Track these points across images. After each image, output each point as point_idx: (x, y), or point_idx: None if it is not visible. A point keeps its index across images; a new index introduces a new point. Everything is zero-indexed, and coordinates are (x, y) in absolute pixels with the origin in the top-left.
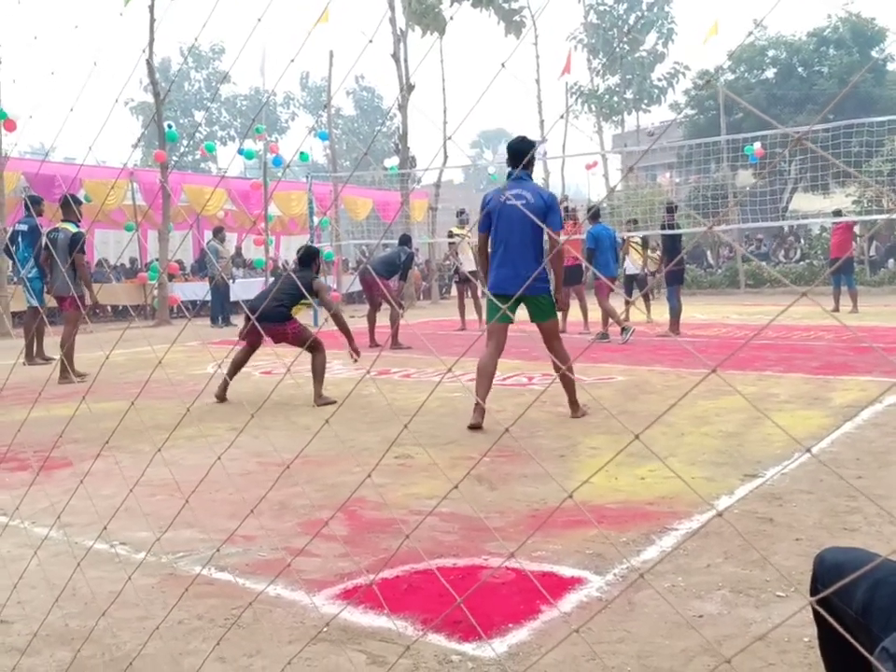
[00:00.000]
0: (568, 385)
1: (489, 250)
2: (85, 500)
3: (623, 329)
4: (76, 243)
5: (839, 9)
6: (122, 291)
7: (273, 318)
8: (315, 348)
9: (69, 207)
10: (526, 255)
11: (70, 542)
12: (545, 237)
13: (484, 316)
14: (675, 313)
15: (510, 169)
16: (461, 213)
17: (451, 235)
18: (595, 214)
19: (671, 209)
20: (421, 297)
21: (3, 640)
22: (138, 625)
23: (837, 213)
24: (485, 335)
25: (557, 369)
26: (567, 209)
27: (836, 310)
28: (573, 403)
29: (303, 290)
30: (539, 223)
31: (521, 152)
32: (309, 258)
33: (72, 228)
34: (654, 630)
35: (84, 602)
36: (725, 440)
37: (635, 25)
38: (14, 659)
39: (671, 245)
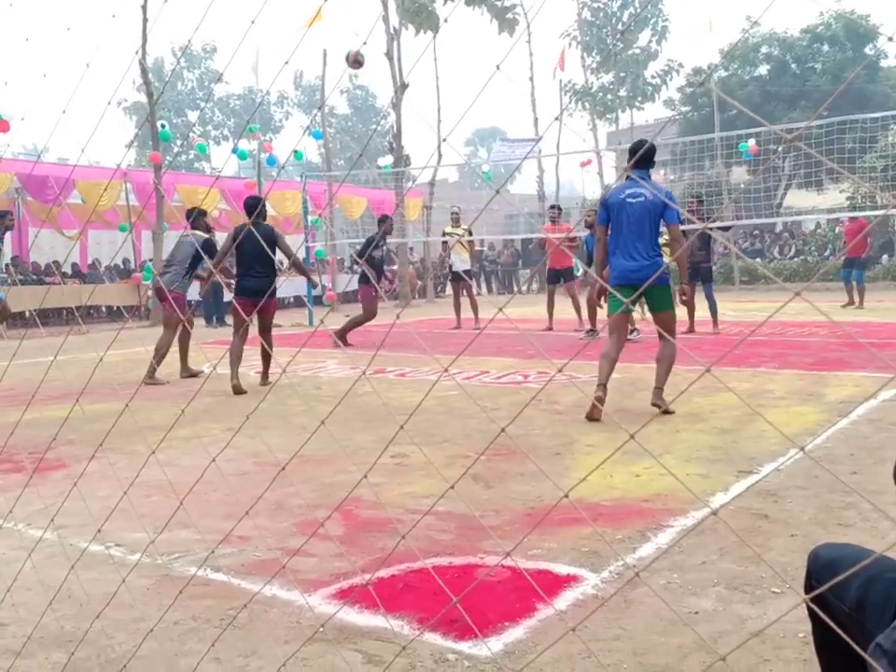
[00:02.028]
0: (662, 371)
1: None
2: (79, 502)
3: (632, 330)
4: (210, 247)
5: (831, 7)
6: (116, 292)
7: (268, 292)
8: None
9: (198, 219)
10: (646, 247)
11: (64, 544)
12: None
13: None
14: (714, 310)
15: (635, 170)
16: (454, 214)
17: (445, 235)
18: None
19: (701, 200)
20: (416, 295)
21: None
22: (133, 627)
23: (853, 208)
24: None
25: (663, 342)
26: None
27: (851, 303)
28: (658, 390)
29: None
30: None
31: (642, 152)
32: (258, 205)
33: (201, 234)
34: (650, 627)
35: (79, 604)
36: (720, 436)
37: (629, 25)
38: (9, 661)
39: (708, 239)
